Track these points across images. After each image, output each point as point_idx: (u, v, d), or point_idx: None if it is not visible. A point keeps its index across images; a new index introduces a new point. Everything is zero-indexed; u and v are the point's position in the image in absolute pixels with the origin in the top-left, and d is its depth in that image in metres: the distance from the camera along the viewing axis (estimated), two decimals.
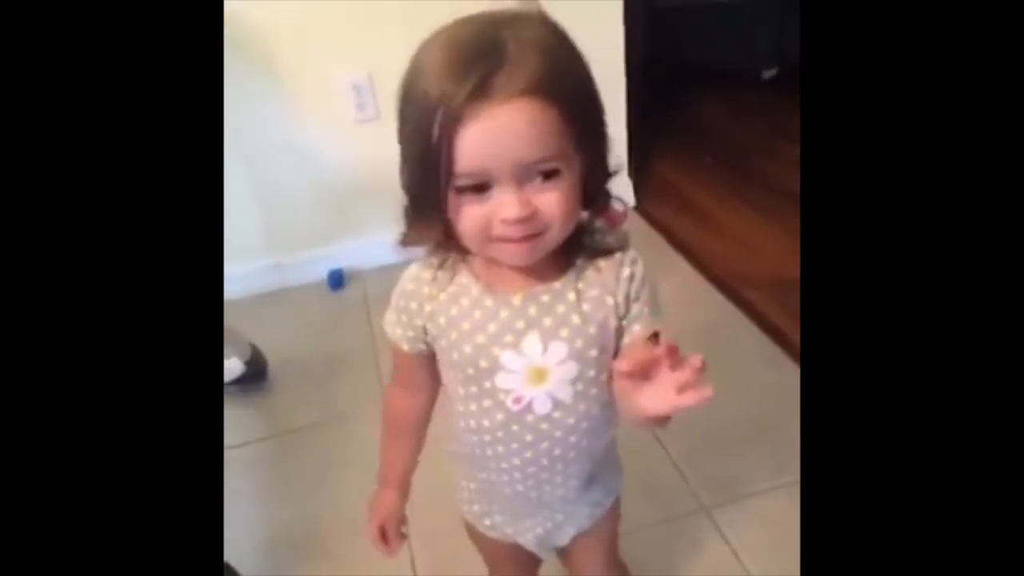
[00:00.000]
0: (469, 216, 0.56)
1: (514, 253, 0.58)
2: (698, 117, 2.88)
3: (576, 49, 0.57)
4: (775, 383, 1.48)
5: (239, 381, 1.58)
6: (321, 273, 2.02)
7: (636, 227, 2.11)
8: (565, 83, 0.54)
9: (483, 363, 0.64)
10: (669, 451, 1.36)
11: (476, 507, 0.80)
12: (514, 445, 0.68)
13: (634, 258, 0.65)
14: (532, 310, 0.63)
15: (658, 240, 2.07)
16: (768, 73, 3.05)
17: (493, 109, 0.52)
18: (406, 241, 0.64)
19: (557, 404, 0.65)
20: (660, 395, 0.52)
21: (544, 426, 0.66)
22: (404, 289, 0.68)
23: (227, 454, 1.33)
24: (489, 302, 0.64)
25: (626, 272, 0.64)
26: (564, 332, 0.63)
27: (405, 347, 0.70)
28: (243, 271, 1.92)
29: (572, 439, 0.68)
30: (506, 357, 0.63)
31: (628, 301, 0.64)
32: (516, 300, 0.63)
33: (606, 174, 0.62)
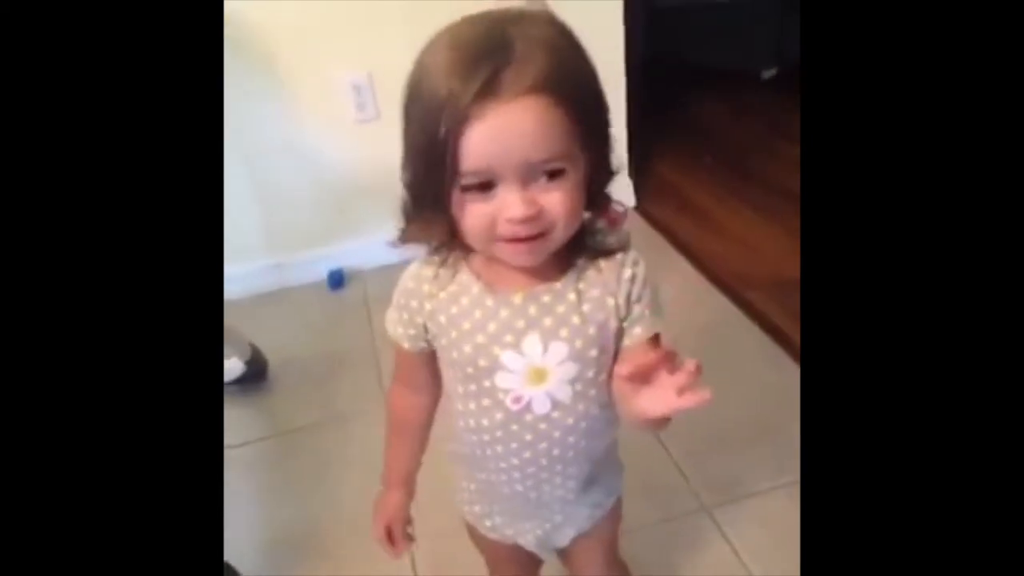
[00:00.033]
0: (474, 215, 0.56)
1: (518, 253, 0.58)
2: (698, 117, 2.88)
3: (582, 49, 0.57)
4: (775, 383, 1.48)
5: (239, 381, 1.58)
6: (321, 273, 2.02)
7: (636, 227, 2.11)
8: (572, 82, 0.54)
9: (483, 362, 0.64)
10: (670, 451, 1.36)
11: (476, 508, 0.79)
12: (513, 445, 0.68)
13: (635, 259, 0.65)
14: (532, 310, 0.63)
15: (658, 240, 2.07)
16: (768, 73, 3.05)
17: (500, 107, 0.52)
18: (404, 238, 0.64)
19: (556, 404, 0.65)
20: (659, 398, 0.52)
21: (543, 426, 0.66)
22: (405, 287, 0.68)
23: (227, 454, 1.33)
24: (489, 301, 0.64)
25: (627, 273, 0.64)
26: (564, 332, 0.63)
27: (406, 345, 0.70)
28: (243, 271, 1.92)
29: (571, 439, 0.68)
30: (506, 357, 0.63)
31: (629, 302, 0.64)
32: (517, 300, 0.63)
33: (609, 174, 0.62)
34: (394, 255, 0.66)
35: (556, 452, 0.69)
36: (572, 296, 0.63)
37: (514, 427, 0.67)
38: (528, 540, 0.78)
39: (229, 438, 1.40)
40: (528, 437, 0.67)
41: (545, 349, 0.63)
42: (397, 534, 0.79)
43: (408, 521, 0.80)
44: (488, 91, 0.51)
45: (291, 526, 1.33)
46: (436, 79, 0.53)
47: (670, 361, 0.52)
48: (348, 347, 1.75)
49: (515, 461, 0.69)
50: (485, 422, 0.68)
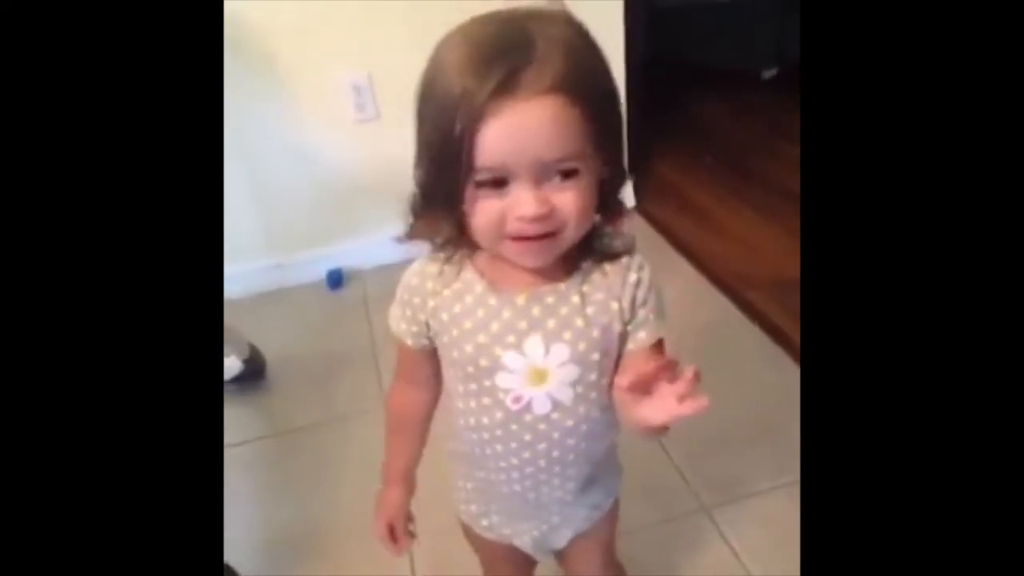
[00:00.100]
0: (484, 211, 0.56)
1: (526, 252, 0.58)
2: (698, 117, 2.88)
3: (599, 50, 0.57)
4: (775, 383, 1.48)
5: (237, 380, 1.59)
6: (320, 273, 2.02)
7: (636, 227, 2.11)
8: (589, 83, 0.54)
9: (484, 362, 0.64)
10: (669, 451, 1.36)
11: (473, 507, 0.79)
12: (513, 444, 0.68)
13: (641, 264, 0.65)
14: (536, 311, 0.63)
15: (658, 240, 2.07)
16: (768, 73, 3.05)
17: (518, 105, 0.51)
18: (411, 234, 0.64)
19: (556, 405, 0.65)
20: (660, 406, 0.52)
21: (543, 427, 0.66)
22: (408, 283, 0.68)
23: (225, 453, 1.33)
24: (493, 301, 0.63)
25: (632, 277, 0.64)
26: (567, 335, 0.63)
27: (409, 342, 0.70)
28: (242, 271, 1.92)
29: (571, 441, 0.68)
30: (507, 357, 0.63)
31: (634, 306, 0.64)
32: (520, 300, 0.63)
33: (622, 178, 0.62)
34: (393, 254, 0.66)
35: (556, 453, 0.68)
36: (576, 299, 0.63)
37: (514, 427, 0.67)
38: (525, 541, 0.78)
39: (227, 437, 1.40)
40: (528, 437, 0.67)
41: (547, 351, 0.63)
42: (399, 531, 0.79)
43: (409, 518, 0.80)
44: (506, 89, 0.51)
45: (289, 526, 1.33)
46: (451, 77, 0.53)
47: (670, 371, 0.52)
48: (347, 347, 1.75)
49: (514, 461, 0.69)
50: (485, 421, 0.67)
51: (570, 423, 0.67)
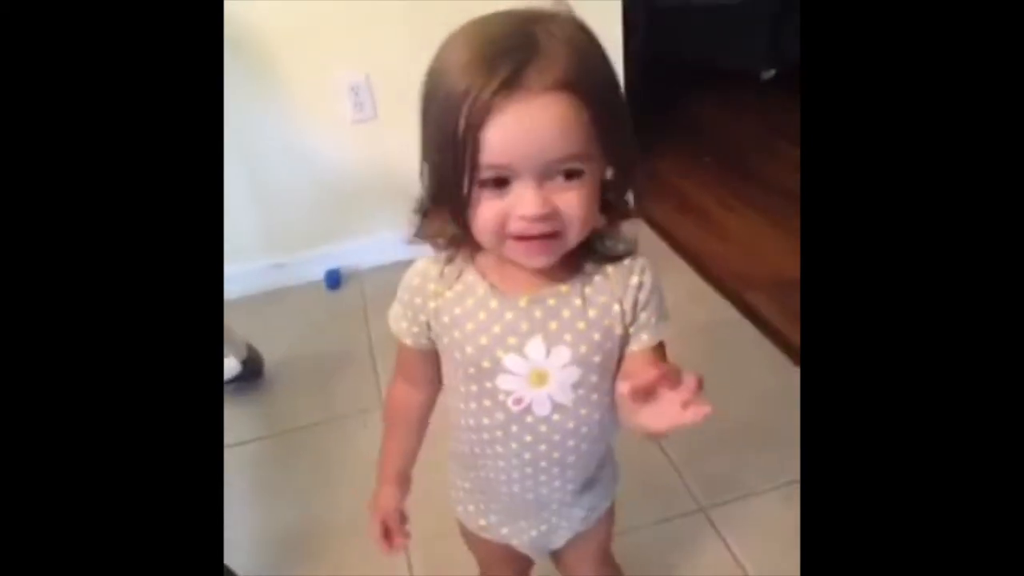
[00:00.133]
0: (486, 210, 0.56)
1: (528, 252, 0.58)
2: (698, 117, 2.88)
3: (604, 50, 0.57)
4: (774, 384, 1.48)
5: (235, 380, 1.58)
6: (318, 273, 2.02)
7: (635, 227, 2.10)
8: (594, 83, 0.54)
9: (485, 364, 0.64)
10: (668, 451, 1.36)
11: (471, 507, 0.79)
12: (513, 445, 0.68)
13: (643, 266, 0.65)
14: (537, 313, 0.63)
15: (657, 240, 2.07)
16: (766, 74, 3.05)
17: (522, 102, 0.51)
18: (420, 235, 0.63)
19: (557, 407, 0.65)
20: (661, 413, 0.52)
21: (543, 428, 0.66)
22: (410, 284, 0.67)
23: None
24: (494, 303, 0.63)
25: (635, 280, 0.64)
26: (568, 337, 0.63)
27: (409, 342, 0.69)
28: (240, 271, 1.92)
29: (571, 443, 0.68)
30: (509, 360, 0.63)
31: (636, 309, 0.64)
32: (522, 302, 0.63)
33: (630, 182, 0.61)
34: (392, 254, 0.66)
35: (556, 455, 0.68)
36: (578, 301, 0.63)
37: (514, 428, 0.66)
38: (523, 540, 0.78)
39: (225, 438, 1.40)
40: (528, 438, 0.67)
41: (548, 353, 0.63)
42: (392, 530, 0.78)
43: (403, 518, 0.80)
44: (511, 86, 0.51)
45: (286, 526, 1.33)
46: (455, 75, 0.53)
47: (672, 378, 0.52)
48: (345, 347, 1.74)
49: (514, 461, 0.69)
50: (486, 421, 0.67)
51: (571, 425, 0.67)
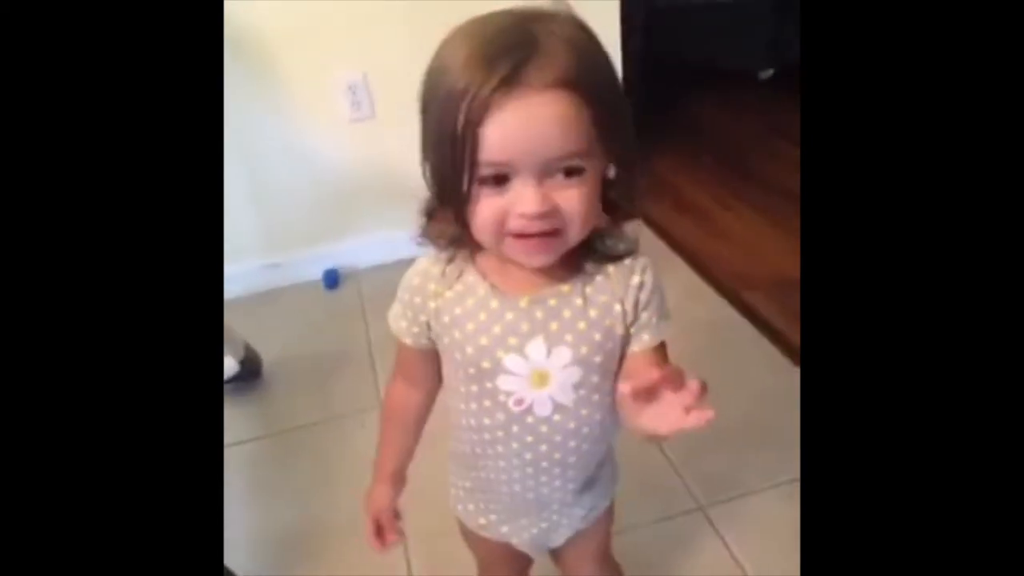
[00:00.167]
0: (486, 207, 0.55)
1: (528, 250, 0.57)
2: (698, 117, 2.88)
3: (604, 50, 0.56)
4: (774, 383, 1.48)
5: (233, 380, 1.58)
6: (316, 272, 2.02)
7: (634, 227, 2.10)
8: (594, 81, 0.54)
9: (486, 364, 0.64)
10: (667, 451, 1.36)
11: (471, 506, 0.79)
12: (514, 445, 0.68)
13: (644, 266, 0.65)
14: (538, 313, 0.63)
15: (657, 240, 2.07)
16: (764, 74, 3.06)
17: (522, 99, 0.51)
18: (425, 234, 0.63)
19: (558, 407, 0.65)
20: (663, 416, 0.51)
21: (544, 428, 0.66)
22: (410, 283, 0.67)
23: None
24: (495, 304, 0.63)
25: (636, 280, 0.64)
26: (569, 337, 0.63)
27: (408, 341, 0.69)
28: (239, 270, 1.91)
29: (572, 443, 0.68)
30: (509, 360, 0.63)
31: (637, 309, 0.64)
32: (523, 303, 0.63)
33: (632, 181, 0.61)
34: (389, 254, 0.66)
35: (557, 455, 0.68)
36: (579, 301, 0.63)
37: (515, 428, 0.66)
38: (523, 539, 0.78)
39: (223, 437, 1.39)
40: (529, 439, 0.67)
41: (549, 353, 0.63)
42: (385, 528, 0.78)
43: (396, 516, 0.79)
44: (510, 83, 0.51)
45: (285, 526, 1.32)
46: (455, 73, 0.52)
47: (674, 380, 0.51)
48: (343, 346, 1.74)
49: (515, 461, 0.69)
50: (487, 421, 0.67)
51: (572, 425, 0.66)
